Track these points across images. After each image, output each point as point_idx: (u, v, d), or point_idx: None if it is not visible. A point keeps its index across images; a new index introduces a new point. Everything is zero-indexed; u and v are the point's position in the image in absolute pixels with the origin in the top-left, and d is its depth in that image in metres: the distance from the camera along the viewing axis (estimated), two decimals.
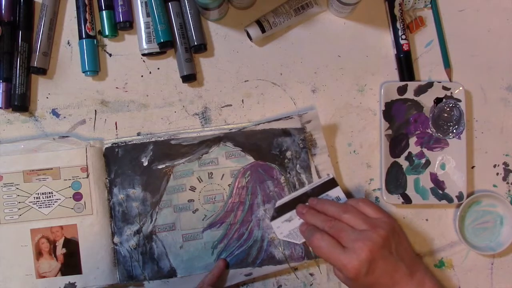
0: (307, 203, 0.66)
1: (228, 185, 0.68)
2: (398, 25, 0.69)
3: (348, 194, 0.69)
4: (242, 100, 0.70)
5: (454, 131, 0.68)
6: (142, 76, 0.70)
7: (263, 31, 0.68)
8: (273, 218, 0.67)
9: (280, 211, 0.67)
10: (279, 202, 0.67)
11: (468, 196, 0.68)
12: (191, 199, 0.67)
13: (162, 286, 0.67)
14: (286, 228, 0.66)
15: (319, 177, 0.68)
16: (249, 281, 0.68)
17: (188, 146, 0.68)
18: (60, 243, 0.66)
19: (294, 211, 0.66)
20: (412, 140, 0.70)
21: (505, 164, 0.70)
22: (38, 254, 0.66)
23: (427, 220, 0.70)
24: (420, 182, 0.69)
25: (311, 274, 0.69)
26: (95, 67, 0.68)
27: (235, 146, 0.68)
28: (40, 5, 0.68)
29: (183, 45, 0.68)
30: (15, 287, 0.66)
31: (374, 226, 0.58)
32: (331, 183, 0.67)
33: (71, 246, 0.66)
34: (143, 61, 0.70)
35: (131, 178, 0.67)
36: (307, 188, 0.67)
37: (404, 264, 0.58)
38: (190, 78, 0.68)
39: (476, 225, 0.69)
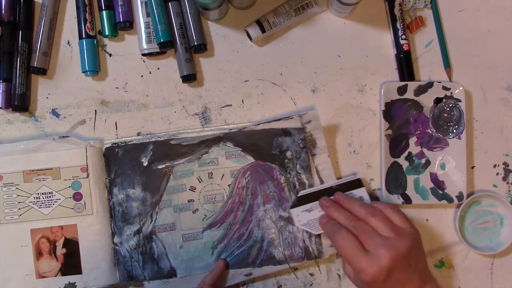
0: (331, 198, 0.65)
1: (228, 185, 0.68)
2: (398, 25, 0.69)
3: (372, 196, 0.69)
4: (242, 100, 0.70)
5: (454, 131, 0.68)
6: (142, 76, 0.70)
7: (263, 31, 0.68)
8: (293, 206, 0.67)
9: (301, 201, 0.66)
10: (302, 192, 0.67)
11: (468, 196, 0.68)
12: (191, 199, 0.67)
13: (162, 286, 0.67)
14: (305, 218, 0.66)
15: (319, 177, 0.68)
16: (249, 281, 0.68)
17: (188, 146, 0.68)
18: (60, 243, 0.66)
19: (316, 203, 0.65)
20: (412, 140, 0.70)
21: (505, 164, 0.70)
22: (38, 254, 0.66)
23: (427, 220, 0.70)
24: (420, 182, 0.69)
25: (311, 274, 0.69)
26: (95, 67, 0.68)
27: (235, 146, 0.68)
28: (40, 5, 0.68)
29: (183, 45, 0.68)
30: (15, 287, 0.66)
31: (399, 235, 0.57)
32: (357, 183, 0.67)
33: (71, 246, 0.66)
34: (143, 61, 0.70)
35: (131, 178, 0.67)
36: (332, 183, 0.67)
37: (418, 276, 0.58)
38: (190, 78, 0.68)
39: (476, 225, 0.69)
